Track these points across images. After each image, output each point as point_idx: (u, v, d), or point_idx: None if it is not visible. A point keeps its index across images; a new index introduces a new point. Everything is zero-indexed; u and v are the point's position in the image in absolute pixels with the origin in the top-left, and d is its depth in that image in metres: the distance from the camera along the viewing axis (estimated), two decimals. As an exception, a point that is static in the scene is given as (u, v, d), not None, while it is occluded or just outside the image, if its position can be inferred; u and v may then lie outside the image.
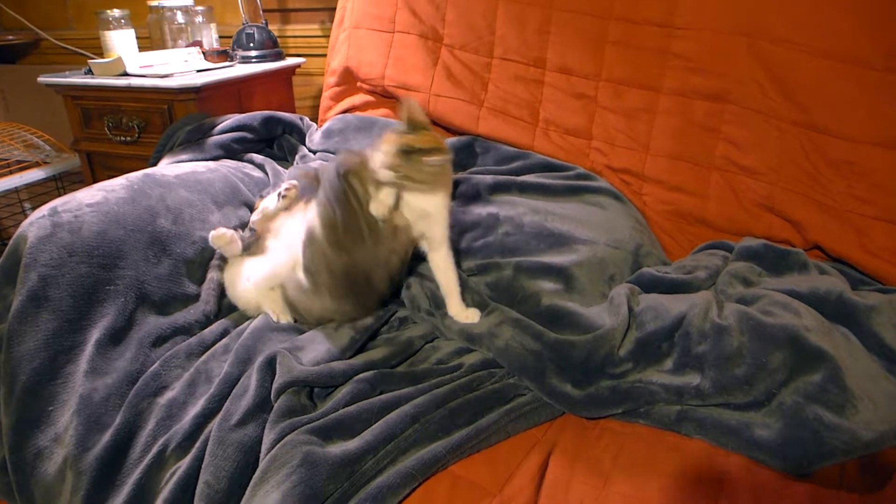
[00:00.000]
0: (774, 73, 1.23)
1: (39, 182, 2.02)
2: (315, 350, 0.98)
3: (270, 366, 0.92)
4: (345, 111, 1.70)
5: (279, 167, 1.51)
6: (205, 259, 1.16)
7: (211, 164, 1.38)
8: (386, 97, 1.66)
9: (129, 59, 1.70)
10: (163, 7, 1.91)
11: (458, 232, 1.22)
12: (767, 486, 0.77)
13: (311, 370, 0.91)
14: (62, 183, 2.14)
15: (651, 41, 1.34)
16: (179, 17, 1.92)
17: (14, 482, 0.91)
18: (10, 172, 1.94)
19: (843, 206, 1.18)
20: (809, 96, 1.20)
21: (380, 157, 0.96)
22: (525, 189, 1.35)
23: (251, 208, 1.31)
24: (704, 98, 1.31)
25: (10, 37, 2.49)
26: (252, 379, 0.91)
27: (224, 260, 1.17)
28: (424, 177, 0.97)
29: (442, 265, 1.06)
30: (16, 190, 2.04)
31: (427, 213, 1.03)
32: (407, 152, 0.94)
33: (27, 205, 2.25)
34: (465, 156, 1.51)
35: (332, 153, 1.57)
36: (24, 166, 1.98)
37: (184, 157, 1.42)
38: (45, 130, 2.15)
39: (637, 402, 0.89)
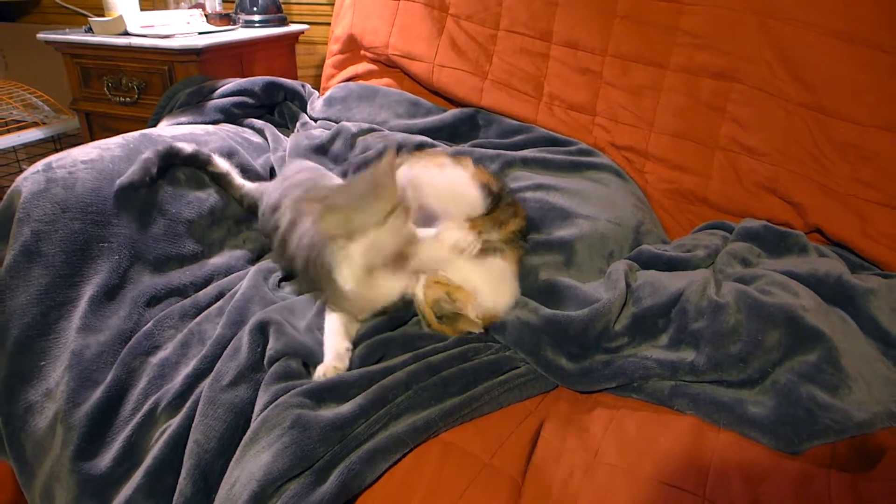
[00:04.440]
0: (784, 53, 1.21)
1: (37, 142, 2.00)
2: (308, 316, 0.98)
3: (262, 328, 0.92)
4: (348, 79, 1.67)
5: (279, 133, 1.50)
6: (202, 219, 1.15)
7: (210, 127, 1.36)
8: (389, 66, 1.64)
9: (130, 19, 1.67)
10: (165, -33, 1.88)
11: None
12: (758, 462, 0.77)
13: (303, 343, 0.91)
14: (60, 145, 2.12)
15: (660, 17, 1.32)
16: (182, -21, 1.89)
17: (5, 436, 0.91)
18: (8, 132, 1.92)
19: (846, 190, 1.17)
20: (818, 77, 1.19)
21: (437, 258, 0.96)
22: (528, 163, 1.34)
23: (249, 171, 1.29)
24: (711, 76, 1.29)
25: (11, -7, 2.45)
26: (244, 341, 0.90)
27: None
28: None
29: None
30: (13, 149, 2.01)
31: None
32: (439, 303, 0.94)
33: (24, 165, 2.22)
34: (468, 128, 1.50)
35: (334, 121, 1.55)
36: (21, 126, 1.96)
37: (183, 119, 1.40)
38: (45, 91, 2.13)
39: (631, 376, 0.88)
